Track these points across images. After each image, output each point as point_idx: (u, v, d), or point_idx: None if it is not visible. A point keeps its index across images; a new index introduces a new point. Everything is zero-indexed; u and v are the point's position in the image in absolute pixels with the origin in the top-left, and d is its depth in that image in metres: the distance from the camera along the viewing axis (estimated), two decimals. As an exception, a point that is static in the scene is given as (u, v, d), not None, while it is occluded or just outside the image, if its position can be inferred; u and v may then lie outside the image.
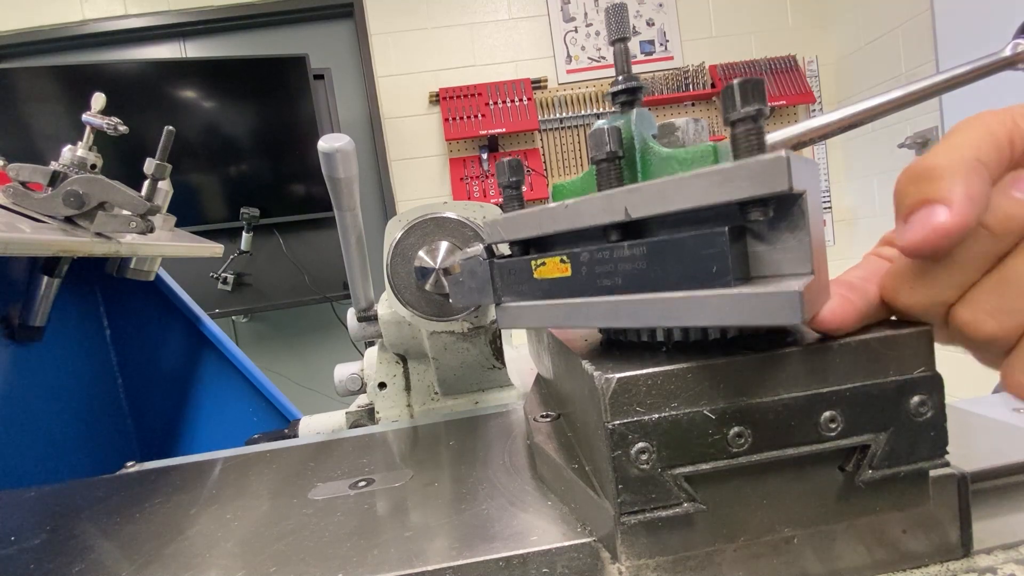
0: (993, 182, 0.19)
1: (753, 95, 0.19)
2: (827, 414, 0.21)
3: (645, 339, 0.24)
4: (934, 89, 0.48)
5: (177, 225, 0.81)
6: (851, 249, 2.65)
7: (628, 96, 0.26)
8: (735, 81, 0.19)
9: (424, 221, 0.44)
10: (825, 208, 2.66)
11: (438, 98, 2.48)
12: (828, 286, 0.21)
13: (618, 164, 0.23)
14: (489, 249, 0.29)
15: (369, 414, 0.56)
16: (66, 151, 0.61)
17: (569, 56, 2.57)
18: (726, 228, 0.19)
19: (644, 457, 0.21)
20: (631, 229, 0.22)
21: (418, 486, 0.32)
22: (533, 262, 0.26)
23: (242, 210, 2.15)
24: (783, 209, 0.19)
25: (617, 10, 0.25)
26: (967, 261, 0.19)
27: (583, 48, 2.57)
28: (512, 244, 0.28)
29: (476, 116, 2.43)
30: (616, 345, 0.26)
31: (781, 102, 2.48)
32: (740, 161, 0.18)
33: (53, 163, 0.59)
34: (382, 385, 0.55)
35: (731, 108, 0.19)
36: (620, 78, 0.26)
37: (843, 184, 2.67)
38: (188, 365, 0.84)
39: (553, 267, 0.25)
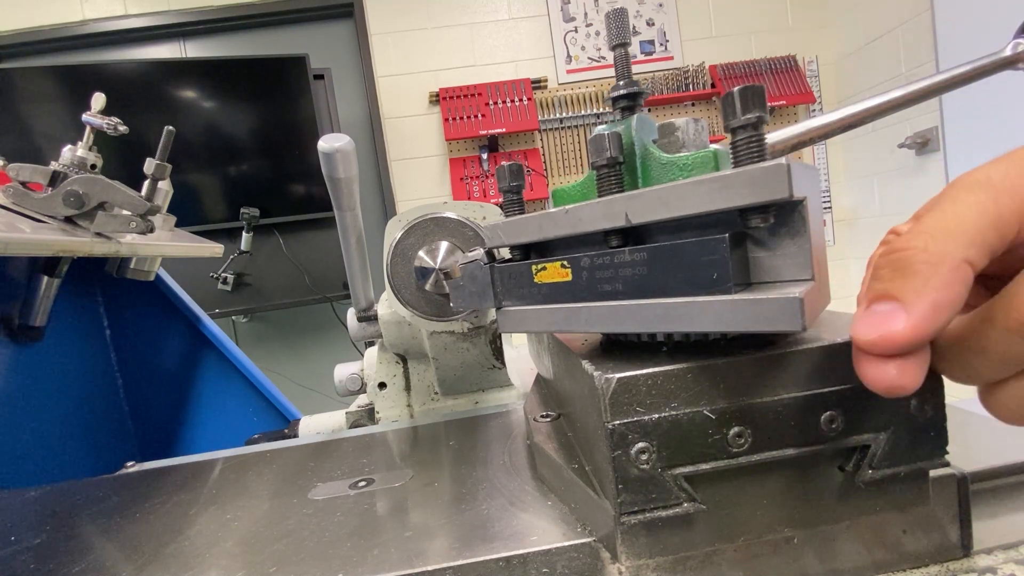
0: (992, 255, 0.17)
1: (753, 102, 0.19)
2: (827, 414, 0.21)
3: (645, 339, 0.24)
4: (934, 89, 0.48)
5: (177, 225, 0.81)
6: (851, 249, 2.66)
7: (628, 102, 0.26)
8: (735, 89, 0.19)
9: (424, 221, 0.44)
10: (825, 208, 2.66)
11: (438, 98, 2.48)
12: (829, 292, 0.21)
13: (619, 169, 0.23)
14: (490, 253, 0.29)
15: (369, 414, 0.57)
16: (66, 151, 0.61)
17: (569, 56, 2.57)
18: (727, 234, 0.19)
19: (644, 457, 0.21)
20: (632, 235, 0.22)
21: (418, 486, 0.32)
22: (534, 267, 0.26)
23: (242, 210, 2.15)
24: (784, 216, 0.19)
25: (617, 16, 0.25)
26: (1005, 359, 0.17)
27: (583, 48, 2.57)
28: (513, 248, 0.28)
29: (476, 116, 2.43)
30: (616, 345, 0.26)
31: (781, 102, 2.48)
32: (741, 168, 0.18)
33: (53, 163, 0.59)
34: (382, 385, 0.55)
35: (731, 116, 0.19)
36: (621, 83, 0.26)
37: (843, 184, 2.67)
38: (188, 365, 0.84)
39: (554, 272, 0.25)
